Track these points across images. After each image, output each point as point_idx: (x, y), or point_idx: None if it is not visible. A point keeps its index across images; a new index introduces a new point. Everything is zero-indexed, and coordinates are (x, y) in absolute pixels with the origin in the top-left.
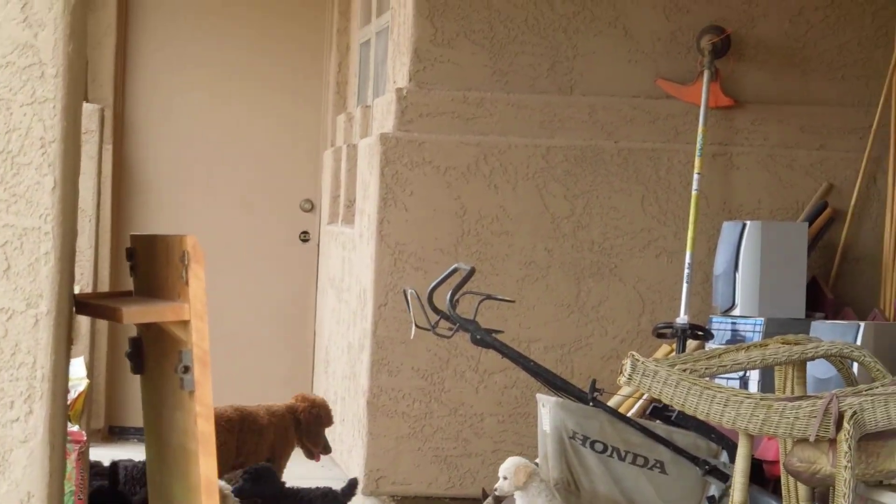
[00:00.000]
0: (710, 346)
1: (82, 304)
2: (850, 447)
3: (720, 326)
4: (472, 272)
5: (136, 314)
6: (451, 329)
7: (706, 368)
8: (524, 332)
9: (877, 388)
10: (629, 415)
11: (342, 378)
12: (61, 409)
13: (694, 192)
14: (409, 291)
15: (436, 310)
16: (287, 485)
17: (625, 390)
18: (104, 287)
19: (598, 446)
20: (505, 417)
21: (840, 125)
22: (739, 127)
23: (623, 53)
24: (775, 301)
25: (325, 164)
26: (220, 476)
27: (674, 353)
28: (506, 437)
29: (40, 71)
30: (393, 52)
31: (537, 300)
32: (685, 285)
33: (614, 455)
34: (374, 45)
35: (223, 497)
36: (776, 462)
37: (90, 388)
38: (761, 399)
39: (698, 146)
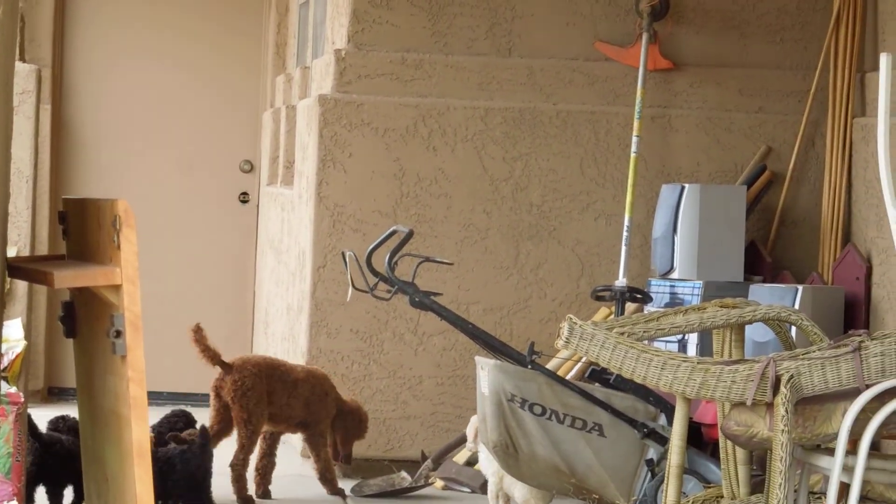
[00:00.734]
0: (648, 309)
1: (15, 268)
2: (787, 411)
3: (659, 289)
4: (410, 234)
5: (67, 278)
6: (389, 291)
7: (644, 332)
8: (463, 294)
9: (814, 351)
10: (568, 378)
11: (281, 339)
12: None
13: (633, 155)
14: (347, 253)
15: (374, 272)
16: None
17: (563, 353)
18: (42, 249)
19: (537, 409)
20: (444, 380)
21: (779, 88)
22: (678, 90)
23: (562, 16)
24: (714, 264)
25: (265, 125)
26: (254, 425)
27: (612, 317)
28: (444, 399)
29: None
30: (332, 13)
31: (476, 262)
32: (624, 248)
33: (553, 418)
34: (314, 5)
35: None
36: (714, 425)
37: (28, 349)
38: (699, 363)
39: (637, 109)
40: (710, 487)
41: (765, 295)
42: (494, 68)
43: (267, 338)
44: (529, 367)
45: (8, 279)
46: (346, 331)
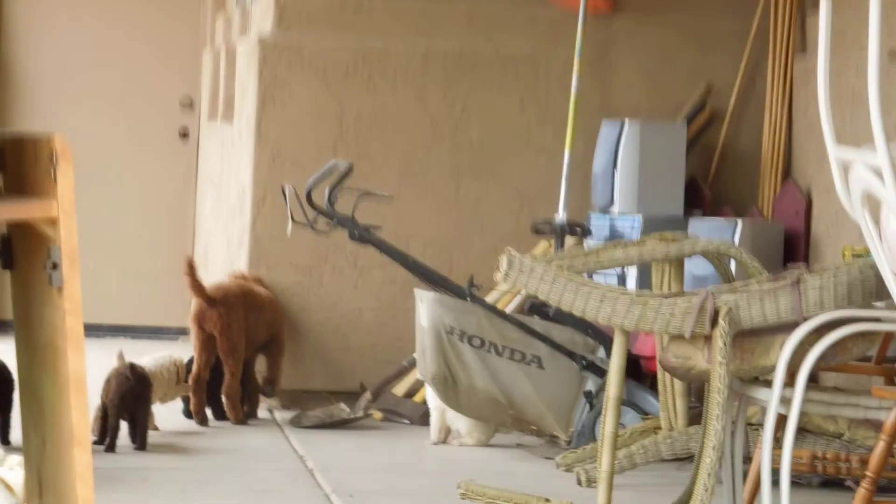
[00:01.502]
0: (588, 243)
1: None
2: (725, 343)
3: (599, 223)
4: (350, 169)
5: (3, 211)
6: (329, 225)
7: (584, 265)
8: (403, 228)
9: (753, 285)
10: (507, 311)
11: (221, 274)
12: None
13: (573, 93)
14: (287, 187)
15: (314, 206)
16: None
17: (502, 287)
18: None
19: (476, 341)
20: (383, 312)
21: (720, 30)
22: (619, 31)
23: None
24: (654, 199)
25: (205, 63)
26: (238, 353)
27: (552, 250)
28: (384, 332)
29: None
30: None
31: (416, 198)
32: (563, 183)
33: (492, 350)
34: None
35: None
36: (652, 358)
37: None
38: (637, 296)
39: (577, 50)
40: (648, 419)
41: (704, 229)
42: (434, 11)
43: (207, 273)
44: (469, 300)
45: None
46: (286, 264)
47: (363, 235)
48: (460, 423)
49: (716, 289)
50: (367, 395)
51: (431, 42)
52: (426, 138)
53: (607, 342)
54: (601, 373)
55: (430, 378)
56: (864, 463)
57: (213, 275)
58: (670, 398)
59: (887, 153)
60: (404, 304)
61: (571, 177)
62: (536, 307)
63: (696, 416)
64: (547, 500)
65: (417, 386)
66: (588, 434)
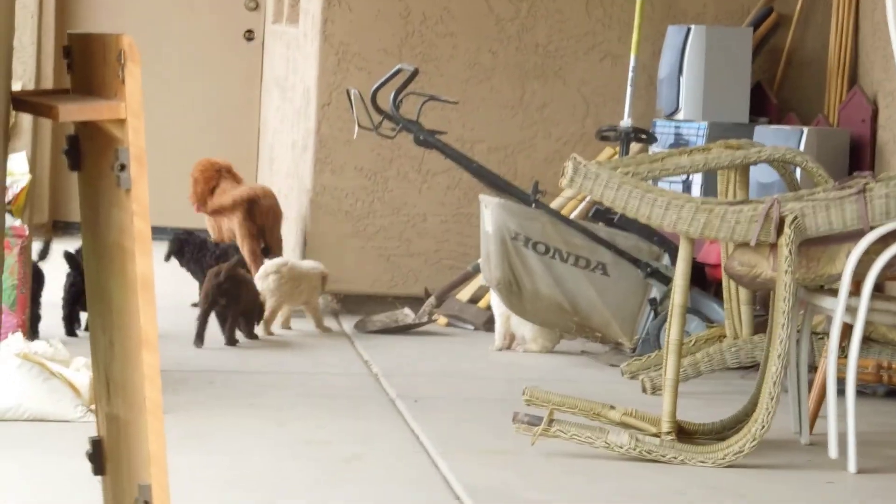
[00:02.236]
0: (653, 149)
1: (20, 102)
2: (790, 251)
3: (664, 130)
4: (415, 73)
5: (72, 112)
6: (394, 129)
7: (649, 172)
8: (468, 133)
9: (819, 193)
10: (571, 217)
11: (286, 176)
12: None
13: None
14: (352, 91)
15: (379, 110)
16: None
17: (567, 192)
18: (47, 84)
19: (540, 247)
20: (447, 217)
21: None
22: None
23: None
24: (719, 105)
25: None
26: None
27: (617, 157)
28: (448, 237)
29: None
30: None
31: (481, 101)
32: (629, 88)
33: (556, 256)
34: None
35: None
36: (718, 265)
37: (32, 182)
38: (702, 203)
39: None
40: (712, 327)
41: (770, 136)
42: None
43: (272, 174)
44: (533, 205)
45: (13, 112)
46: (351, 168)
47: (428, 140)
48: (525, 329)
49: (781, 197)
50: (432, 301)
51: None
52: (492, 40)
53: (672, 249)
54: (666, 280)
55: (494, 284)
56: None
57: (279, 178)
58: (735, 306)
59: None
60: (469, 210)
61: (637, 82)
62: (601, 213)
63: (760, 324)
64: (612, 407)
65: (482, 292)
66: (653, 341)
